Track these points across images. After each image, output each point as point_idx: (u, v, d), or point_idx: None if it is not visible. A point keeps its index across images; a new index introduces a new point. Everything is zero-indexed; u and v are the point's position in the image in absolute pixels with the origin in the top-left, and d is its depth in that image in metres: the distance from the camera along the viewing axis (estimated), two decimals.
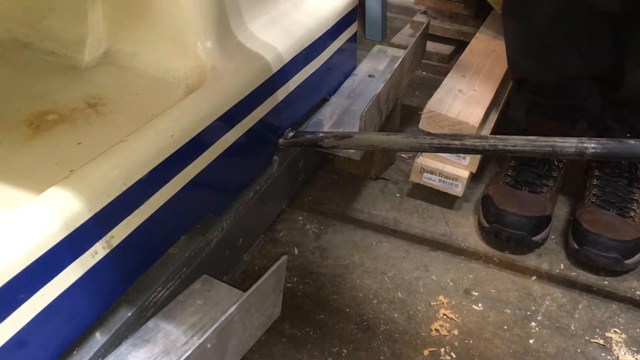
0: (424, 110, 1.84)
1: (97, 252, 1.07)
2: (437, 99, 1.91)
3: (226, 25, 1.51)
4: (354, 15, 1.99)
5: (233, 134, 1.44)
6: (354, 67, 2.12)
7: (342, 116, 1.88)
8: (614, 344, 1.54)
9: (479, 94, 1.98)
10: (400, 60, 1.90)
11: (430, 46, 2.74)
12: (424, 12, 2.95)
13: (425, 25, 2.17)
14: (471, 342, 1.53)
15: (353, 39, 2.04)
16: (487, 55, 2.28)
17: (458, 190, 1.88)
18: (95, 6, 1.55)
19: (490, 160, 2.22)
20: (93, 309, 1.12)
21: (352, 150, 1.72)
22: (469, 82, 2.07)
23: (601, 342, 1.54)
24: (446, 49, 2.78)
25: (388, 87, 1.84)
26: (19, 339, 0.96)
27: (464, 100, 1.92)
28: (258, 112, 1.53)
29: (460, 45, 2.76)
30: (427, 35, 2.22)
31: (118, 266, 1.14)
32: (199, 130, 1.30)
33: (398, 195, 2.04)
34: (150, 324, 1.23)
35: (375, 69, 2.10)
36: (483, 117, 1.90)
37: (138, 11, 1.50)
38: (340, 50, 1.96)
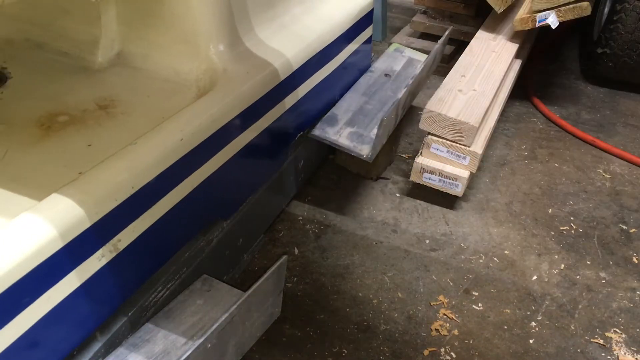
0: (424, 110, 1.84)
1: (103, 256, 1.07)
2: (437, 99, 1.91)
3: (238, 29, 1.51)
4: (369, 19, 1.98)
5: (243, 137, 1.44)
6: (368, 69, 2.13)
7: (357, 114, 1.88)
8: (614, 344, 1.54)
9: (479, 94, 1.99)
10: (422, 67, 1.91)
11: (430, 46, 2.74)
12: (424, 12, 2.95)
13: (447, 32, 2.18)
14: (471, 342, 1.53)
15: (368, 42, 2.05)
16: (487, 55, 2.29)
17: (458, 190, 1.88)
18: (109, 8, 1.55)
19: (491, 160, 2.23)
20: (98, 312, 1.12)
21: (365, 151, 1.74)
22: (469, 82, 2.07)
23: (601, 342, 1.54)
24: (446, 49, 2.78)
25: (407, 94, 1.86)
26: (27, 339, 0.96)
27: (464, 100, 1.92)
28: (269, 115, 1.53)
29: (460, 45, 2.76)
30: (447, 42, 2.22)
31: (124, 270, 1.14)
32: (209, 133, 1.29)
33: (398, 195, 2.04)
34: (150, 324, 1.23)
35: (392, 69, 2.11)
36: (483, 117, 1.90)
37: (151, 13, 1.50)
38: (354, 54, 1.96)
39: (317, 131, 1.80)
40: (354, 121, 1.85)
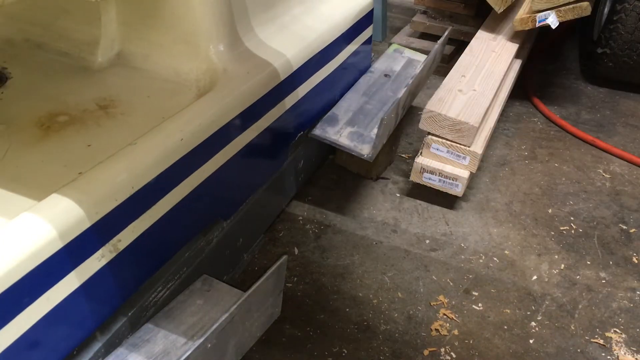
0: (424, 110, 1.84)
1: (103, 256, 1.07)
2: (437, 99, 1.91)
3: (238, 29, 1.51)
4: (369, 19, 1.98)
5: (243, 138, 1.44)
6: (368, 69, 2.13)
7: (357, 114, 1.88)
8: (614, 344, 1.54)
9: (478, 94, 1.99)
10: (422, 67, 1.91)
11: (430, 46, 2.74)
12: (424, 12, 2.95)
13: (447, 32, 2.19)
14: (471, 342, 1.53)
15: (368, 42, 2.04)
16: (487, 55, 2.28)
17: (458, 190, 1.88)
18: (109, 8, 1.55)
19: (491, 160, 2.23)
20: (98, 312, 1.12)
21: (365, 150, 1.74)
22: (469, 82, 2.07)
23: (601, 342, 1.54)
24: (446, 49, 2.78)
25: (407, 94, 1.86)
26: (27, 340, 0.96)
27: (464, 100, 1.92)
28: (269, 115, 1.53)
29: (460, 45, 2.76)
30: (446, 42, 2.24)
31: (125, 270, 1.14)
32: (209, 134, 1.29)
33: (398, 195, 2.04)
34: (150, 324, 1.23)
35: (391, 69, 2.11)
36: (483, 117, 1.90)
37: (151, 13, 1.50)
38: (354, 54, 1.95)
39: (317, 131, 1.80)
40: (354, 121, 1.85)
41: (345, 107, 1.90)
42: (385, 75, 2.06)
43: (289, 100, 1.60)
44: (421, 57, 2.21)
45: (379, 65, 2.13)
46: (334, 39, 1.76)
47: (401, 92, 1.74)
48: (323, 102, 1.85)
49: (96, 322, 1.12)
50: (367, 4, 1.93)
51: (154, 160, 1.15)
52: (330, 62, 1.79)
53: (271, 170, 1.67)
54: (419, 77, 1.90)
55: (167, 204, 1.20)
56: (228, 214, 1.48)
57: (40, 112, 1.40)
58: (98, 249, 1.05)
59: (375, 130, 1.79)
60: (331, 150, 2.13)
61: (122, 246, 1.10)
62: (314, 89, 1.72)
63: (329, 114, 1.86)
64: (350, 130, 1.81)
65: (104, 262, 1.07)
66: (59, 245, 0.97)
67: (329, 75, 1.80)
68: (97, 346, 1.11)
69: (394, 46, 2.24)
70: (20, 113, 1.40)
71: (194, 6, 1.42)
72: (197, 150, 1.25)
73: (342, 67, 1.87)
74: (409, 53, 2.22)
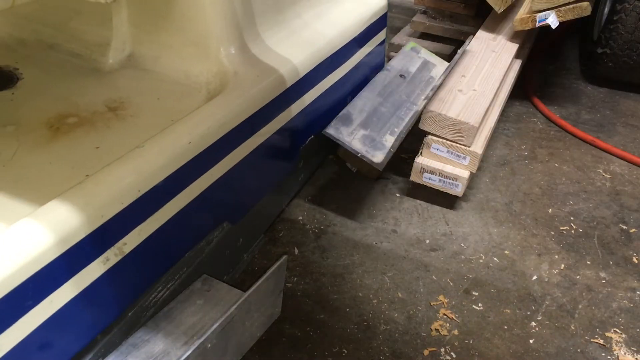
0: (424, 110, 1.84)
1: (108, 259, 1.06)
2: (437, 99, 1.91)
3: (249, 32, 1.50)
4: (383, 21, 1.97)
5: (253, 141, 1.43)
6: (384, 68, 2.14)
7: (371, 115, 1.87)
8: (614, 344, 1.54)
9: (478, 94, 1.99)
10: (442, 78, 1.93)
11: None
12: (424, 12, 2.95)
13: (467, 41, 2.22)
14: (471, 342, 1.53)
15: (382, 44, 2.04)
16: (487, 55, 2.29)
17: (458, 190, 1.88)
18: (120, 9, 1.54)
19: (491, 160, 2.23)
20: (102, 316, 1.11)
21: (377, 157, 1.74)
22: (469, 82, 2.07)
23: (601, 342, 1.54)
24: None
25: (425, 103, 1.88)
26: (29, 344, 0.95)
27: (464, 100, 1.92)
28: (279, 119, 1.52)
29: (460, 45, 2.76)
30: (464, 50, 2.28)
31: (130, 273, 1.13)
32: (218, 137, 1.28)
33: (398, 195, 2.04)
34: (150, 324, 1.23)
35: (407, 70, 2.10)
36: (483, 117, 1.90)
37: (162, 15, 1.50)
38: (367, 57, 1.95)
39: (331, 130, 1.76)
40: (368, 123, 1.83)
41: (360, 106, 1.88)
42: (401, 76, 2.05)
43: (300, 104, 1.59)
44: (436, 60, 2.21)
45: (395, 64, 2.12)
46: (344, 43, 1.75)
47: (420, 104, 1.75)
48: (334, 105, 1.84)
49: (100, 326, 1.11)
50: (382, 7, 1.92)
51: (161, 163, 1.15)
52: (341, 66, 1.78)
53: (281, 174, 1.66)
54: (437, 88, 1.93)
55: (174, 208, 1.20)
56: (236, 219, 1.47)
57: (50, 113, 1.40)
58: (104, 252, 1.04)
59: (387, 137, 1.79)
60: (331, 150, 2.13)
61: (127, 249, 1.10)
62: (324, 92, 1.72)
63: (343, 111, 1.83)
64: (363, 133, 1.79)
65: (109, 265, 1.06)
66: (64, 247, 0.96)
67: (340, 78, 1.79)
68: (97, 346, 1.11)
69: (411, 44, 2.24)
70: (30, 114, 1.40)
71: (204, 8, 1.41)
72: (205, 153, 1.24)
73: (354, 70, 1.86)
74: (425, 54, 2.22)
